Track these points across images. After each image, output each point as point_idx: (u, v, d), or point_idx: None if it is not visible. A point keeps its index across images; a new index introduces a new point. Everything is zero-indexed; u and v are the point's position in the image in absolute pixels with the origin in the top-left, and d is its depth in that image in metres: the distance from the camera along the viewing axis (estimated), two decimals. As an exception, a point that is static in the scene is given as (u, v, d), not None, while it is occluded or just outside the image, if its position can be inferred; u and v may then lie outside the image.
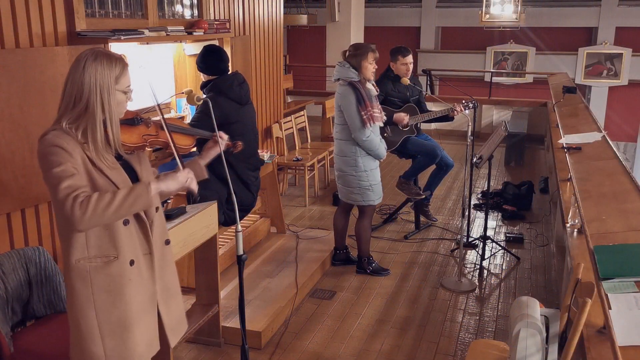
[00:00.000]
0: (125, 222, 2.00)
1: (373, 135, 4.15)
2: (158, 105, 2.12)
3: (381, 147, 4.25)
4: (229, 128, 3.68)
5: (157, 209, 2.15)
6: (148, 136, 2.08)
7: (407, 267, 4.67)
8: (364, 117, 4.06)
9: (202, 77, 3.84)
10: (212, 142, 2.34)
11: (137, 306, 2.06)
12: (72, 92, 1.90)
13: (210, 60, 3.76)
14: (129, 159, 2.08)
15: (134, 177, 2.07)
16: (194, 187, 2.08)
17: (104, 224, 1.90)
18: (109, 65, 1.92)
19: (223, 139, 2.35)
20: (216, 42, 4.71)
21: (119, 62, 1.96)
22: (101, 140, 1.92)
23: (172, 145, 2.10)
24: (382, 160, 4.36)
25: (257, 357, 3.41)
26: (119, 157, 2.04)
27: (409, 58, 5.00)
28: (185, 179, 2.04)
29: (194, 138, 2.32)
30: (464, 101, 4.97)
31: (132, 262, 2.03)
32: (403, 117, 4.88)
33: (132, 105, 2.08)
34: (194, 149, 2.44)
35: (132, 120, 2.06)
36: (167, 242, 2.21)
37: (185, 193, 2.13)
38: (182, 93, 4.31)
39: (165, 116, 2.24)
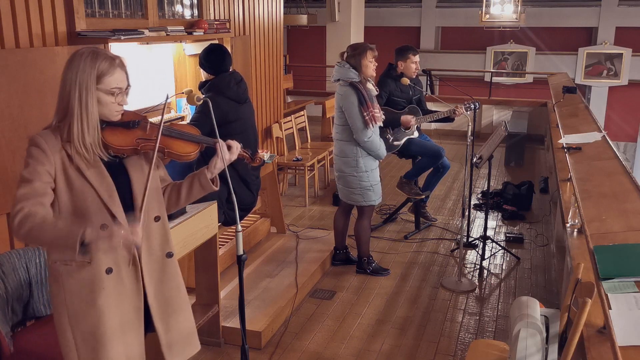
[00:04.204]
0: (103, 227, 1.87)
1: (374, 135, 4.16)
2: (163, 110, 2.05)
3: (382, 147, 4.25)
4: (229, 127, 3.70)
5: (157, 218, 2.06)
6: (141, 140, 1.97)
7: (407, 267, 4.67)
8: (366, 117, 4.06)
9: (202, 75, 3.86)
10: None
11: (114, 320, 1.94)
12: (60, 89, 1.90)
13: (211, 59, 3.78)
14: (126, 164, 2.00)
15: (126, 181, 1.98)
16: (131, 249, 1.88)
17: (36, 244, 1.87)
18: (92, 63, 1.86)
19: (233, 148, 2.14)
20: (216, 42, 4.71)
21: (106, 60, 1.88)
22: (78, 137, 1.86)
23: (155, 152, 1.96)
24: (382, 160, 4.36)
25: (257, 357, 3.41)
26: (113, 161, 1.96)
27: (418, 56, 5.04)
28: (122, 242, 1.79)
29: (198, 145, 2.12)
30: (465, 102, 4.97)
31: (109, 271, 1.92)
32: (410, 119, 4.88)
33: (137, 104, 2.03)
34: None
35: (128, 123, 1.96)
36: (169, 254, 2.10)
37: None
38: (182, 93, 4.31)
39: (171, 120, 2.13)
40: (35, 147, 1.85)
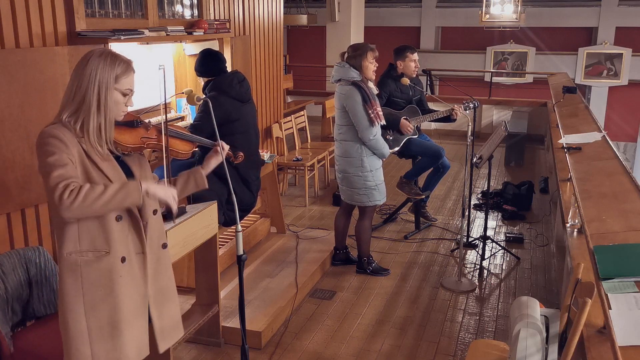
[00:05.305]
0: (118, 218, 2.00)
1: (379, 133, 4.16)
2: (165, 106, 2.15)
3: (386, 145, 4.26)
4: (231, 126, 3.70)
5: (155, 211, 2.15)
6: (146, 139, 2.10)
7: (407, 267, 4.67)
8: (372, 115, 4.06)
9: (202, 82, 3.87)
10: (214, 152, 2.35)
11: (128, 306, 2.04)
12: (73, 85, 1.95)
13: (208, 63, 3.80)
14: (126, 160, 2.09)
15: (129, 176, 2.08)
16: (174, 206, 2.10)
17: (91, 215, 1.90)
18: (112, 64, 1.96)
19: (224, 149, 2.35)
20: (216, 42, 4.71)
21: (123, 63, 1.99)
22: (94, 133, 1.95)
23: (165, 150, 2.12)
24: (385, 159, 4.36)
25: (257, 357, 3.41)
26: (116, 158, 2.06)
27: (417, 55, 5.03)
28: (172, 194, 2.08)
29: (194, 144, 2.32)
30: (464, 102, 4.97)
31: (123, 259, 2.02)
32: (408, 124, 4.87)
33: (138, 103, 2.11)
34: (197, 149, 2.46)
35: (132, 122, 2.08)
36: (164, 245, 2.20)
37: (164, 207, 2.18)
38: (182, 93, 4.31)
39: (170, 120, 2.28)
40: (54, 138, 1.89)
